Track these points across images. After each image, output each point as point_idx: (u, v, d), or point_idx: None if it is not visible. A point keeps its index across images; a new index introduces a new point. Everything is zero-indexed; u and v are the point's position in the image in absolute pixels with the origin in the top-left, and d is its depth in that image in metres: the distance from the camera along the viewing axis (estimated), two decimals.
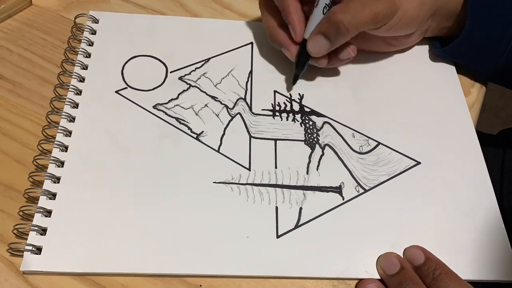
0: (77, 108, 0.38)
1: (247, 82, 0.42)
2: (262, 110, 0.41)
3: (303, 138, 0.39)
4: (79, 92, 0.39)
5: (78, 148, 0.36)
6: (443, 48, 0.43)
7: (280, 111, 0.41)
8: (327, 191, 0.36)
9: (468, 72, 0.45)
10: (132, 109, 0.39)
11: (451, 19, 0.42)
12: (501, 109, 1.26)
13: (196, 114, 0.40)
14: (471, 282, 0.32)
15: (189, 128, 0.39)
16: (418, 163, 0.39)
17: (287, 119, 0.40)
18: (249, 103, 0.41)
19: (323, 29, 0.36)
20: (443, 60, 0.45)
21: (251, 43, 0.45)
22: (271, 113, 0.41)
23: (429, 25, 0.42)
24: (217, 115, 0.40)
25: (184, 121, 0.39)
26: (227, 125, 0.39)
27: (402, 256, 0.34)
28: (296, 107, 0.41)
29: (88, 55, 0.42)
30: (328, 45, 0.37)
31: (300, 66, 0.40)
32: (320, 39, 0.37)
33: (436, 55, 0.45)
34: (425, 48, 0.46)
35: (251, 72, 0.43)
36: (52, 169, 0.35)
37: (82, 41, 0.42)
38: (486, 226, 0.36)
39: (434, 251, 0.34)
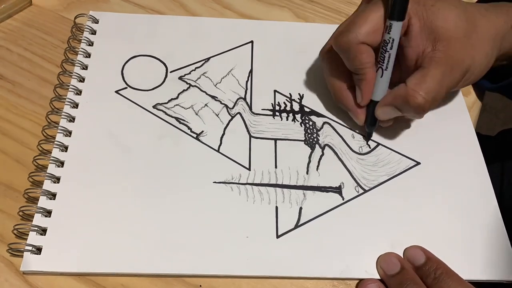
0: (77, 108, 0.38)
1: (247, 82, 0.42)
2: (262, 109, 0.41)
3: (303, 138, 0.39)
4: (79, 92, 0.39)
5: (78, 148, 0.36)
6: (495, 84, 0.42)
7: (280, 111, 0.41)
8: (327, 191, 0.36)
9: None
10: (132, 109, 0.39)
11: (509, 58, 0.41)
12: (501, 109, 1.26)
13: (196, 114, 0.40)
14: (472, 282, 0.32)
15: (189, 128, 0.39)
16: (418, 163, 0.39)
17: (287, 119, 0.40)
18: (249, 103, 0.41)
19: (398, 105, 0.35)
20: None
21: (251, 41, 0.45)
22: (271, 113, 0.41)
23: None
24: (217, 115, 0.40)
25: (184, 120, 0.39)
26: (227, 124, 0.39)
27: (402, 256, 0.34)
28: (296, 107, 0.41)
29: (88, 55, 0.42)
30: (397, 114, 0.36)
31: (372, 124, 0.38)
32: (391, 110, 0.36)
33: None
34: None
35: (251, 71, 0.43)
36: (52, 169, 0.35)
37: (82, 41, 0.42)
38: (486, 226, 0.36)
39: (434, 251, 0.34)
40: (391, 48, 0.34)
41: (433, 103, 0.34)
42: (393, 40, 0.34)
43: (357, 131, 0.40)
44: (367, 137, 0.40)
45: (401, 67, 0.37)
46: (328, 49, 0.38)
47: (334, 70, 0.38)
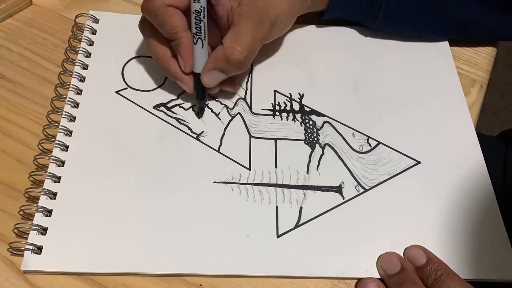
0: (77, 107, 0.38)
1: (247, 82, 0.42)
2: (262, 109, 0.41)
3: (303, 138, 0.39)
4: (79, 92, 0.39)
5: (79, 147, 0.36)
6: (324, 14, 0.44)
7: (280, 111, 0.41)
8: (327, 191, 0.36)
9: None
10: (132, 109, 0.39)
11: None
12: (501, 109, 1.26)
13: (196, 115, 0.40)
14: (472, 282, 0.32)
15: (189, 128, 0.39)
16: (418, 162, 0.39)
17: (287, 119, 0.40)
18: (249, 103, 0.41)
19: (220, 66, 0.36)
20: (443, 60, 0.45)
21: None
22: (271, 112, 0.41)
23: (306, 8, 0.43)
24: (217, 115, 0.40)
25: (184, 121, 0.39)
26: (227, 125, 0.39)
27: (402, 256, 0.34)
28: (296, 106, 0.41)
29: (88, 55, 0.42)
30: (223, 77, 0.37)
31: (201, 97, 0.38)
32: (215, 73, 0.36)
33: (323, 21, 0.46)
34: (425, 48, 0.46)
35: (251, 72, 0.43)
36: (52, 168, 0.35)
37: (83, 40, 0.42)
38: (486, 225, 0.36)
39: (434, 250, 0.34)
40: (204, 17, 0.34)
41: (251, 56, 0.36)
42: (203, 8, 0.34)
43: (357, 129, 0.40)
44: (200, 114, 0.40)
45: (220, 29, 0.38)
46: (142, 19, 0.38)
47: (155, 39, 0.37)
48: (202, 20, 0.34)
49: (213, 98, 0.41)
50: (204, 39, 0.35)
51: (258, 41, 0.36)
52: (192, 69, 0.37)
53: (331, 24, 0.47)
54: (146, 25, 0.37)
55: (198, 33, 0.35)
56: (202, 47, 0.36)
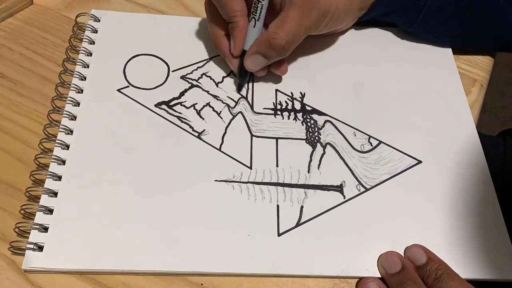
0: (78, 106, 0.38)
1: (248, 81, 0.42)
2: (263, 108, 0.41)
3: (305, 137, 0.39)
4: (80, 91, 0.39)
5: (80, 146, 0.36)
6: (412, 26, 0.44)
7: (282, 110, 0.41)
8: (328, 190, 0.36)
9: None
10: (134, 107, 0.39)
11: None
12: (501, 109, 1.26)
13: (198, 113, 0.40)
14: (472, 281, 0.32)
15: (190, 127, 0.39)
16: (419, 162, 0.39)
17: (289, 118, 0.40)
18: (250, 102, 0.41)
19: (262, 50, 0.37)
20: (444, 59, 0.45)
21: None
22: (272, 111, 0.41)
23: (363, 9, 0.43)
24: (219, 114, 0.40)
25: (186, 119, 0.39)
26: (229, 123, 0.39)
27: (403, 255, 0.34)
28: (297, 105, 0.41)
29: (89, 54, 0.42)
30: (266, 62, 0.39)
31: (243, 75, 0.40)
32: (258, 58, 0.38)
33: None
34: (426, 48, 0.46)
35: None
36: (53, 167, 0.35)
37: (84, 39, 0.42)
38: (487, 225, 0.36)
39: (434, 250, 0.34)
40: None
41: (293, 43, 0.37)
42: None
43: (358, 129, 0.40)
44: (238, 88, 0.41)
45: (276, 15, 0.38)
46: (207, 0, 0.40)
47: (214, 18, 0.40)
48: (261, 2, 0.37)
49: (215, 97, 0.41)
50: (258, 20, 0.37)
51: (302, 30, 0.37)
52: (240, 53, 0.39)
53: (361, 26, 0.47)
54: (211, 5, 0.39)
55: (253, 13, 0.37)
56: (254, 27, 0.37)
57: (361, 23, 0.46)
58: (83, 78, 0.40)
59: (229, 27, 0.39)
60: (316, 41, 0.45)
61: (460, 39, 0.45)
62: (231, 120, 0.39)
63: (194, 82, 0.41)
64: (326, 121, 0.40)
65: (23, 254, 0.31)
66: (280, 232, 0.34)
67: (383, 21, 0.46)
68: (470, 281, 0.32)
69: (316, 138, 0.39)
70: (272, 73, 0.43)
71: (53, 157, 0.35)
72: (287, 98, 0.41)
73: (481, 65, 0.47)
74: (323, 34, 0.42)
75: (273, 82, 0.42)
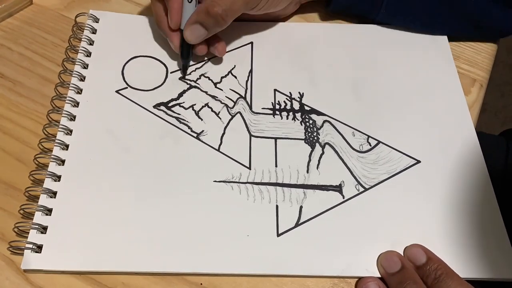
0: (77, 107, 0.38)
1: (247, 81, 0.42)
2: (262, 109, 0.41)
3: (303, 137, 0.39)
4: (79, 91, 0.39)
5: (79, 146, 0.36)
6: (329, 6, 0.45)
7: (280, 110, 0.41)
8: (327, 190, 0.36)
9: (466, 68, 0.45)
10: (132, 108, 0.39)
11: None
12: (501, 109, 1.26)
13: (196, 114, 0.40)
14: (472, 281, 0.32)
15: (189, 128, 0.39)
16: (418, 161, 0.39)
17: (287, 118, 0.40)
18: (249, 102, 0.41)
19: (201, 19, 0.37)
20: (443, 59, 0.45)
21: (251, 43, 0.45)
22: (271, 112, 0.41)
23: None
24: (217, 114, 0.40)
25: (185, 120, 0.39)
26: (227, 124, 0.39)
27: (403, 255, 0.34)
28: (296, 105, 0.41)
29: (88, 54, 0.42)
30: (205, 33, 0.39)
31: (185, 56, 0.40)
32: (197, 27, 0.38)
33: (329, 13, 0.46)
34: (425, 47, 0.46)
35: (251, 71, 0.43)
36: (52, 167, 0.35)
37: (83, 40, 0.42)
38: (486, 224, 0.36)
39: (434, 250, 0.34)
40: None
41: (231, 13, 0.37)
42: None
43: (357, 129, 0.40)
44: (183, 72, 0.42)
45: None
46: None
47: None
48: None
49: (213, 97, 0.41)
50: None
51: (240, 1, 0.37)
52: (178, 26, 0.39)
53: (333, 19, 0.47)
54: None
55: None
56: (190, 2, 0.37)
57: (338, 17, 0.46)
58: (82, 79, 0.40)
59: (166, 1, 0.39)
60: (316, 41, 0.45)
61: (431, 22, 0.45)
62: (229, 120, 0.40)
63: (193, 83, 0.41)
64: (324, 121, 0.40)
65: (22, 254, 0.32)
66: (280, 232, 0.34)
67: (352, 14, 0.46)
68: (469, 281, 0.32)
69: (315, 138, 0.39)
70: (271, 72, 0.43)
71: (52, 157, 0.35)
72: (286, 98, 0.41)
73: (480, 65, 0.47)
74: (264, 17, 0.43)
75: (271, 82, 0.42)
